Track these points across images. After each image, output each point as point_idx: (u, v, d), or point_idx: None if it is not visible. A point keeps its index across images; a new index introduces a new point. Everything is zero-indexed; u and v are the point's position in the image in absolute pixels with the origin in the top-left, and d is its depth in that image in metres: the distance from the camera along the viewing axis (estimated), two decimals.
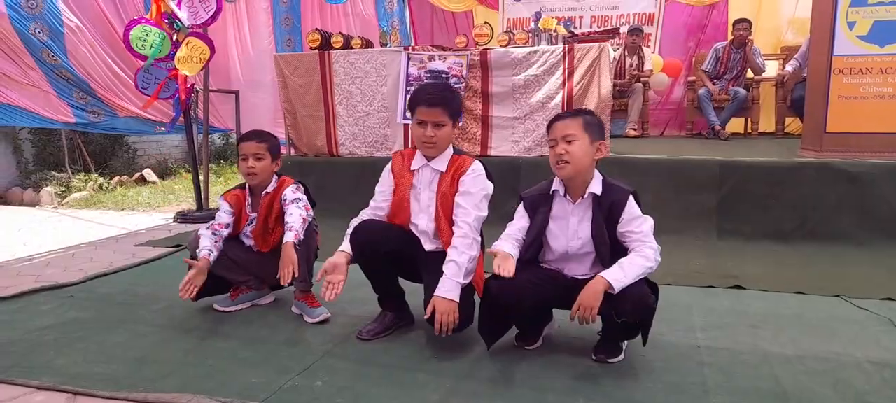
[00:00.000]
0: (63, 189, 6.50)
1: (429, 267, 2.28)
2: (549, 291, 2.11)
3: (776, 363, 2.10)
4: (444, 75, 4.55)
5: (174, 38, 4.79)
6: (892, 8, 3.71)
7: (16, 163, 6.88)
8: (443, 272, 2.14)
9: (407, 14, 8.33)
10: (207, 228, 2.63)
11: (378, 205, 2.43)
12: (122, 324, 2.55)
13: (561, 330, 2.37)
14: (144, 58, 4.75)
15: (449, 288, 2.11)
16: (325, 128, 5.01)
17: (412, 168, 2.38)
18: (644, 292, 1.96)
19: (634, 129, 6.48)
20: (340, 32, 5.06)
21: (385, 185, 2.45)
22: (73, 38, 5.07)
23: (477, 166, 2.32)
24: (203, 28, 4.88)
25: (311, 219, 2.59)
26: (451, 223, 2.28)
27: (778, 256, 3.53)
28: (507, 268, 1.98)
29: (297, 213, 2.50)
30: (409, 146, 2.82)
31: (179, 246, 3.96)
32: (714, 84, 6.31)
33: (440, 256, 2.23)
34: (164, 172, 7.90)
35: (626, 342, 2.18)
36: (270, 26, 7.43)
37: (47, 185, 6.45)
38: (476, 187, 2.27)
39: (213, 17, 4.83)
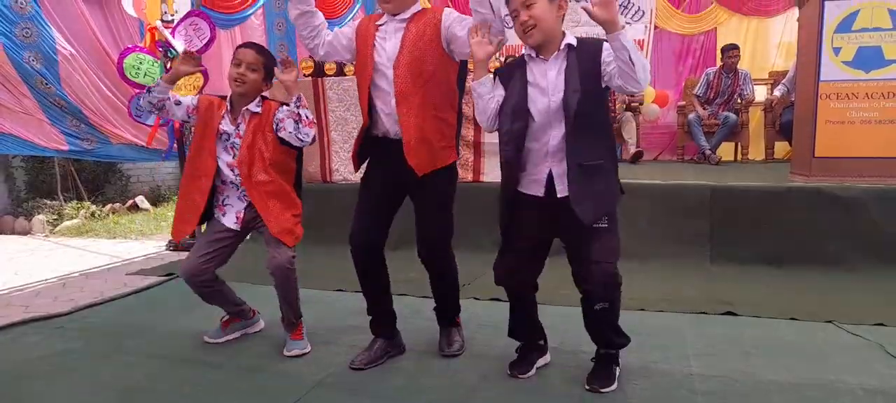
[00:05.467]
0: (55, 217, 6.47)
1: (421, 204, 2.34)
2: (545, 247, 2.18)
3: (770, 390, 2.10)
4: None
5: (168, 66, 4.81)
6: (874, 35, 3.77)
7: (8, 192, 6.85)
8: (433, 207, 2.30)
9: None
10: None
11: (329, 40, 2.41)
12: (112, 355, 2.53)
13: (553, 363, 2.37)
14: (137, 85, 4.76)
15: None
16: (318, 154, 5.02)
17: (378, 23, 2.33)
18: (610, 271, 2.02)
19: (636, 148, 6.52)
20: (334, 61, 5.09)
21: (346, 31, 2.42)
22: (68, 65, 5.08)
23: (451, 11, 2.27)
24: (198, 57, 4.90)
25: (308, 139, 2.46)
26: (417, 77, 2.21)
27: (771, 281, 3.54)
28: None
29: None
30: None
31: (171, 275, 3.93)
32: (704, 109, 6.38)
33: (428, 189, 2.29)
34: (157, 199, 7.88)
35: (618, 369, 2.17)
36: None
37: (39, 213, 6.42)
38: (462, 19, 2.23)
39: (207, 45, 4.86)
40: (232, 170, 2.53)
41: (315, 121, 2.55)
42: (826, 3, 3.84)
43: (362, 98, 2.33)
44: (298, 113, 2.41)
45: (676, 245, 3.96)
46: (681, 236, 3.99)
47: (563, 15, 2.04)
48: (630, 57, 1.86)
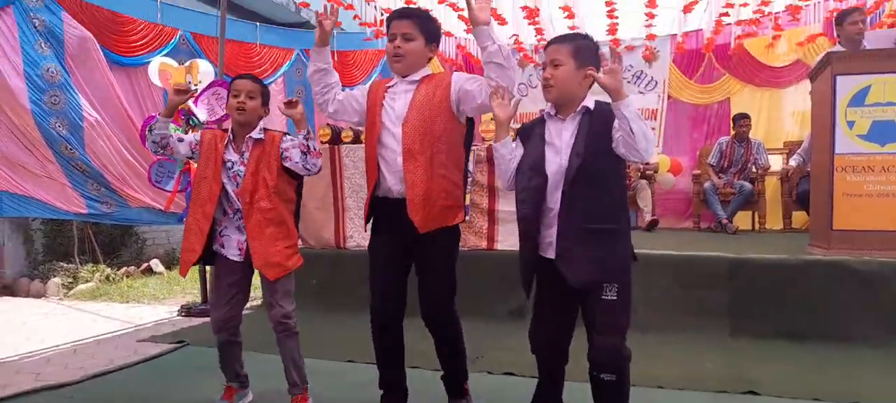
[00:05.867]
0: (70, 280, 6.52)
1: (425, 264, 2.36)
2: (569, 312, 2.16)
3: None
4: None
5: (188, 133, 4.92)
6: (888, 109, 3.78)
7: (25, 254, 6.93)
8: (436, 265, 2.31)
9: None
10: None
11: (341, 98, 2.48)
12: None
13: None
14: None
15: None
16: (333, 220, 5.05)
17: (389, 85, 2.40)
18: (615, 346, 1.98)
19: (651, 216, 6.49)
20: (350, 127, 5.20)
21: (359, 91, 2.49)
22: (92, 131, 5.23)
23: (458, 73, 2.38)
24: (217, 124, 5.03)
25: (315, 169, 2.55)
26: (425, 136, 2.25)
27: (792, 357, 3.44)
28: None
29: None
30: None
31: (182, 343, 3.91)
32: (719, 178, 6.37)
33: (433, 251, 2.31)
34: (171, 262, 7.91)
35: None
36: (283, 119, 7.64)
37: (55, 276, 6.47)
38: (472, 77, 2.32)
39: (228, 114, 4.98)
40: (236, 198, 2.57)
41: (321, 152, 2.62)
42: (838, 77, 3.86)
43: (370, 157, 2.38)
44: (307, 144, 2.47)
45: (695, 317, 3.88)
46: (699, 308, 3.91)
47: (588, 83, 2.09)
48: (630, 127, 1.90)
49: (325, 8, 2.38)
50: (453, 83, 2.30)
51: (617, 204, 2.11)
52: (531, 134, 2.17)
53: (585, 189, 2.00)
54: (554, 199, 2.06)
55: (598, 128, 2.02)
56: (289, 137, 2.57)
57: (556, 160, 2.06)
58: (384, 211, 2.38)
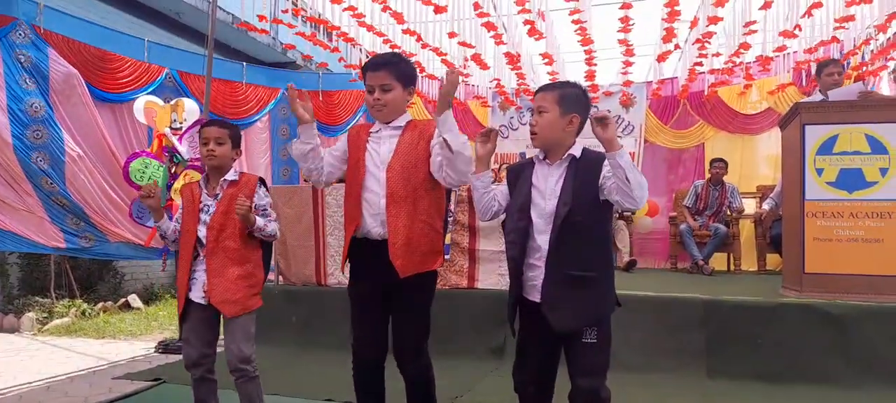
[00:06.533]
0: (45, 315, 6.39)
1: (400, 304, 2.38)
2: (552, 354, 2.19)
3: None
4: None
5: (173, 170, 4.94)
6: (855, 158, 3.93)
7: (0, 288, 6.80)
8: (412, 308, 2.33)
9: None
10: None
11: (328, 162, 2.47)
12: None
13: None
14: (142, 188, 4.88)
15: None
16: (314, 257, 5.05)
17: (370, 131, 2.42)
18: (594, 388, 2.04)
19: (629, 257, 6.60)
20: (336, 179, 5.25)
21: (339, 145, 2.49)
22: (74, 166, 5.22)
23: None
24: (202, 162, 5.05)
25: (274, 236, 2.68)
26: (408, 181, 2.28)
27: (769, 399, 3.49)
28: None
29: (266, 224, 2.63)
30: None
31: (159, 380, 3.86)
32: (695, 220, 6.51)
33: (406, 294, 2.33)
34: (149, 298, 7.81)
35: None
36: (268, 157, 7.70)
37: (30, 311, 6.35)
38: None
39: None
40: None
41: (276, 234, 2.71)
42: (806, 126, 4.02)
43: (352, 200, 2.39)
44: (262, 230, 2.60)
45: (673, 358, 3.93)
46: (677, 349, 3.96)
47: (574, 129, 2.15)
48: (626, 176, 1.96)
49: (292, 88, 2.37)
50: (435, 136, 2.32)
51: (602, 251, 2.18)
52: (520, 176, 2.23)
53: (572, 235, 2.05)
54: (541, 242, 2.11)
55: (583, 177, 2.09)
56: (263, 193, 2.67)
57: (543, 204, 2.12)
58: (364, 251, 2.39)
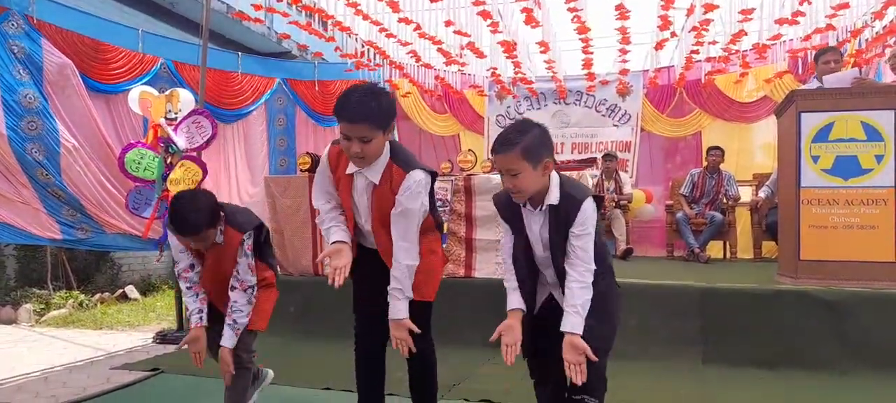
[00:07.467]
0: (42, 306, 6.40)
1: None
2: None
3: None
4: None
5: (169, 160, 4.93)
6: (850, 145, 3.94)
7: None
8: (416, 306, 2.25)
9: (395, 136, 8.66)
10: (181, 281, 2.64)
11: (333, 206, 2.38)
12: None
13: None
14: (137, 179, 4.87)
15: (396, 309, 2.17)
16: (311, 248, 5.06)
17: (348, 172, 2.29)
18: (601, 365, 2.03)
19: (626, 245, 6.62)
20: None
21: (326, 184, 2.38)
22: (69, 157, 5.19)
23: (411, 180, 2.20)
24: (197, 152, 5.04)
25: (252, 291, 2.60)
26: (386, 228, 2.26)
27: (764, 385, 3.52)
28: (512, 340, 2.05)
29: (240, 297, 2.56)
30: None
31: (157, 370, 3.87)
32: (691, 208, 6.53)
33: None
34: (146, 289, 7.81)
35: None
36: (266, 148, 7.68)
37: (26, 302, 6.35)
38: (413, 204, 2.21)
39: (208, 142, 5.00)
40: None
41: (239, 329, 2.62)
42: (802, 114, 4.03)
43: (348, 219, 2.38)
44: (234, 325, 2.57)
45: (669, 345, 3.95)
46: (673, 336, 3.99)
47: (550, 171, 2.07)
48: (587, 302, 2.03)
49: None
50: (397, 203, 2.22)
51: (603, 273, 2.13)
52: (510, 209, 2.18)
53: (557, 265, 2.10)
54: (546, 274, 2.19)
55: (562, 223, 2.07)
56: (246, 249, 2.57)
57: (537, 247, 2.16)
58: (371, 253, 2.41)
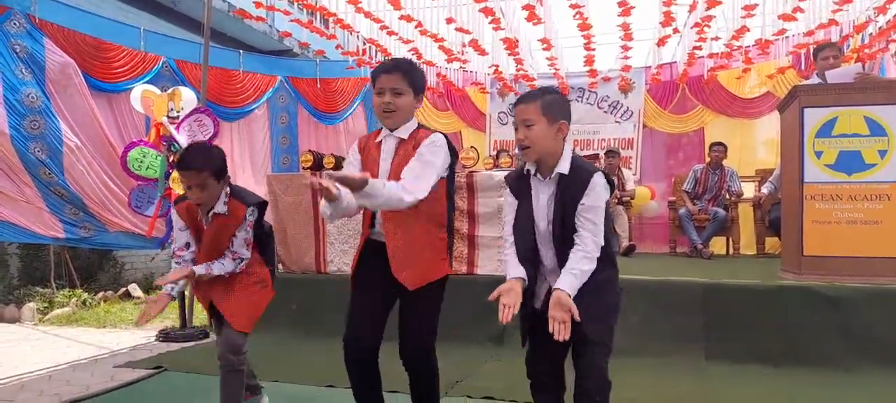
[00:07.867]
0: (46, 305, 6.42)
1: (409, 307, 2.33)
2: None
3: None
4: None
5: (171, 159, 4.93)
6: (853, 140, 3.93)
7: (0, 278, 6.81)
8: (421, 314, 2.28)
9: None
10: (174, 259, 2.64)
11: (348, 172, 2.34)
12: None
13: None
14: (140, 177, 4.88)
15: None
16: (314, 245, 5.06)
17: (378, 140, 2.36)
18: (602, 366, 2.01)
19: (628, 241, 6.62)
20: (332, 154, 5.25)
21: (352, 158, 2.42)
22: (72, 156, 5.20)
23: (438, 137, 2.27)
24: None
25: (241, 262, 2.62)
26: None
27: (767, 381, 3.51)
28: (511, 300, 1.97)
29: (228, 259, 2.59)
30: None
31: (160, 368, 3.87)
32: (694, 204, 6.52)
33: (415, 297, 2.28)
34: (149, 287, 7.82)
35: None
36: (268, 145, 7.69)
37: (30, 301, 6.36)
38: (434, 157, 2.22)
39: (210, 140, 5.00)
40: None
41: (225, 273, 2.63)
42: (805, 109, 4.01)
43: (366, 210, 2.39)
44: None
45: (671, 342, 3.94)
46: (675, 333, 3.98)
47: (564, 135, 2.09)
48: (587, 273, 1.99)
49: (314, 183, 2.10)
50: (418, 153, 2.25)
51: (603, 258, 2.10)
52: (519, 188, 2.17)
53: (570, 249, 2.03)
54: (546, 256, 2.12)
55: (572, 195, 2.04)
56: (245, 229, 2.61)
57: (541, 223, 2.11)
58: (380, 253, 2.35)
